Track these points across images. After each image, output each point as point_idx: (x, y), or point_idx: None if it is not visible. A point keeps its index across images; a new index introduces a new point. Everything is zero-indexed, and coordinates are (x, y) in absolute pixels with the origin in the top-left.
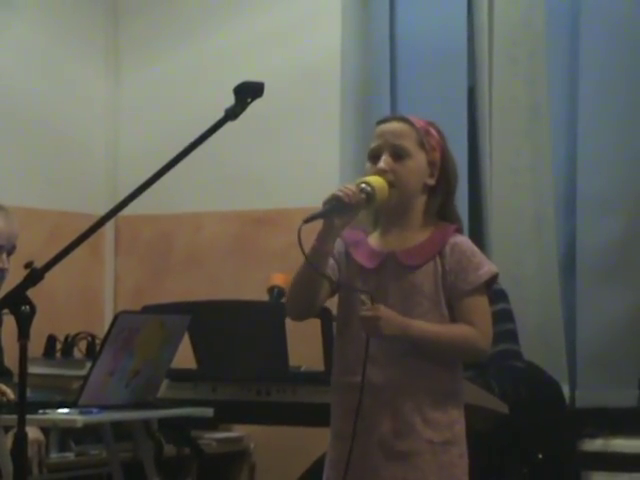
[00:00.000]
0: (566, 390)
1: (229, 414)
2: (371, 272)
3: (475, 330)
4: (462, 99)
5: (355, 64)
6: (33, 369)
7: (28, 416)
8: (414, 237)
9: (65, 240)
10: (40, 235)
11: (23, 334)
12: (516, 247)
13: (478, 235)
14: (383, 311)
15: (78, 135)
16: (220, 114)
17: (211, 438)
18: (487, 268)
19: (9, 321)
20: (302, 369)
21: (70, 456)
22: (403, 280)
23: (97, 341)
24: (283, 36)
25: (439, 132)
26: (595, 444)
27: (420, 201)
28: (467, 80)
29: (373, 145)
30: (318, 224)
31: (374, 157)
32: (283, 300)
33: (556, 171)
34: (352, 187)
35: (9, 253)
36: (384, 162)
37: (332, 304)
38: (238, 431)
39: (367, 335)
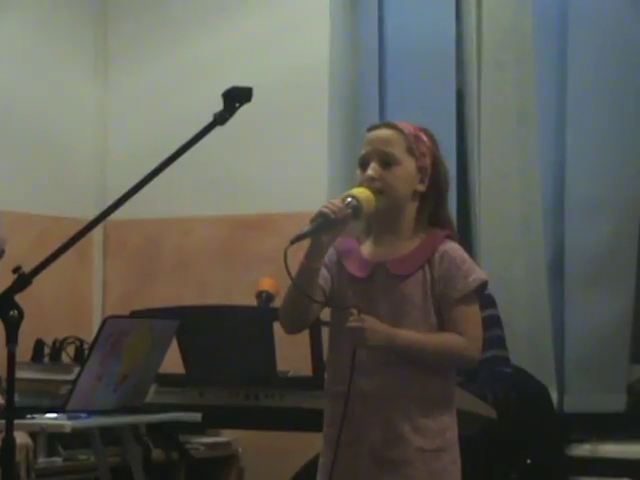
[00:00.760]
0: (554, 395)
1: (217, 419)
2: (361, 282)
3: (463, 338)
4: (450, 103)
5: (343, 68)
6: (21, 374)
7: (16, 421)
8: (405, 245)
9: (53, 245)
10: (28, 239)
11: (11, 339)
12: (504, 252)
13: (466, 240)
14: (369, 322)
15: (66, 139)
16: (208, 119)
17: (199, 443)
18: (476, 275)
19: None
20: (290, 374)
21: (58, 461)
22: (393, 290)
23: (85, 346)
24: (271, 41)
25: (430, 138)
26: (583, 449)
27: (411, 208)
28: (455, 84)
29: (362, 152)
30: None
31: (363, 165)
32: (271, 305)
33: (544, 176)
34: (338, 202)
35: None
36: (372, 170)
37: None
38: (226, 436)
39: (353, 345)
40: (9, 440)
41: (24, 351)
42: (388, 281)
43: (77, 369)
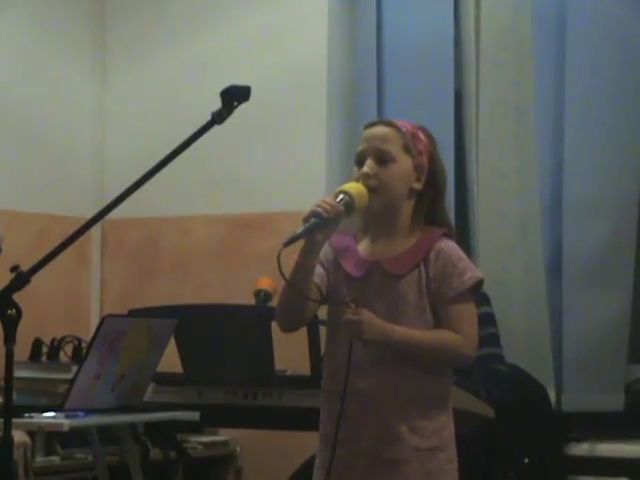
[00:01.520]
0: (552, 394)
1: (215, 418)
2: (357, 281)
3: (459, 336)
4: (449, 103)
5: (342, 68)
6: (19, 373)
7: (14, 420)
8: (401, 244)
9: (51, 243)
10: (26, 238)
11: (9, 338)
12: (502, 251)
13: (464, 239)
14: (366, 315)
15: (64, 138)
16: (207, 118)
17: (197, 442)
18: (472, 274)
19: None
20: (288, 373)
21: (56, 460)
22: (388, 289)
23: (83, 345)
24: (270, 40)
25: (428, 136)
26: (581, 448)
27: (407, 206)
28: (454, 84)
29: (359, 150)
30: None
31: (360, 162)
32: (269, 304)
33: (542, 175)
34: (330, 200)
35: None
36: (367, 167)
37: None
38: (224, 435)
39: (350, 339)
40: (7, 439)
41: (22, 350)
42: (384, 280)
43: (75, 368)
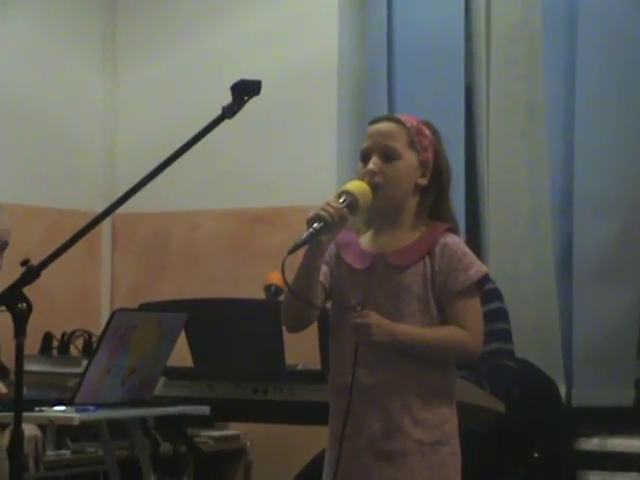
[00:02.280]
0: (562, 389)
1: (226, 412)
2: (361, 273)
3: (465, 332)
4: (459, 98)
5: (352, 63)
6: (30, 367)
7: (25, 413)
8: (405, 238)
9: (62, 238)
10: (36, 232)
11: (20, 332)
12: (512, 246)
13: (475, 234)
14: (374, 317)
15: (75, 132)
16: (217, 112)
17: (207, 436)
18: (477, 268)
19: (5, 318)
20: (299, 367)
21: (66, 453)
22: (392, 281)
23: (93, 339)
24: (280, 35)
25: (433, 132)
26: (591, 443)
27: (412, 201)
28: (464, 79)
29: (364, 146)
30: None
31: (365, 158)
32: (280, 298)
33: (553, 171)
34: (333, 203)
35: (1, 249)
36: (373, 163)
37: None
38: (234, 429)
39: (357, 341)
40: (18, 432)
41: (33, 344)
42: (387, 272)
43: (85, 362)
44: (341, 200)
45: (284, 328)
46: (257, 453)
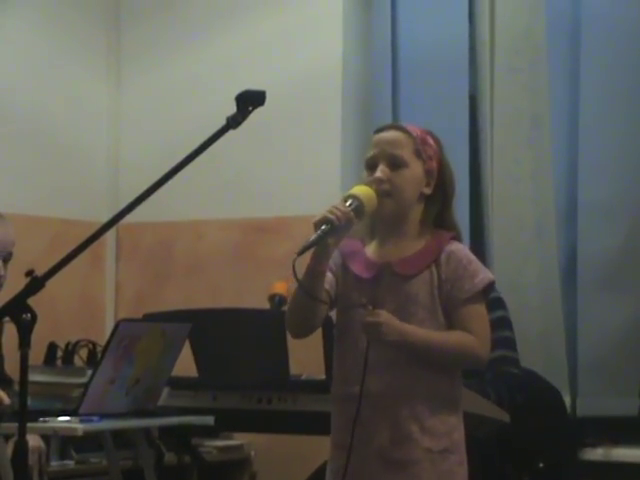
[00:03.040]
0: (567, 398)
1: (230, 422)
2: (367, 282)
3: (473, 337)
4: (463, 108)
5: (357, 72)
6: (34, 377)
7: (29, 424)
8: (410, 246)
9: (66, 248)
10: (41, 243)
11: (24, 342)
12: (517, 255)
13: (479, 243)
14: (385, 316)
15: (79, 142)
16: (221, 122)
17: (212, 446)
18: (483, 275)
19: (10, 329)
20: (303, 377)
21: (70, 464)
22: (398, 290)
23: (98, 349)
24: (285, 43)
25: (436, 141)
26: (596, 453)
27: (417, 210)
28: (468, 89)
29: (370, 154)
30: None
31: (371, 166)
32: (284, 308)
33: (557, 180)
34: (340, 206)
35: (5, 260)
36: (381, 172)
37: (333, 312)
38: (239, 439)
39: (368, 340)
40: (22, 443)
41: (37, 354)
42: (393, 281)
43: (90, 372)
44: (347, 204)
45: (289, 336)
46: (261, 463)
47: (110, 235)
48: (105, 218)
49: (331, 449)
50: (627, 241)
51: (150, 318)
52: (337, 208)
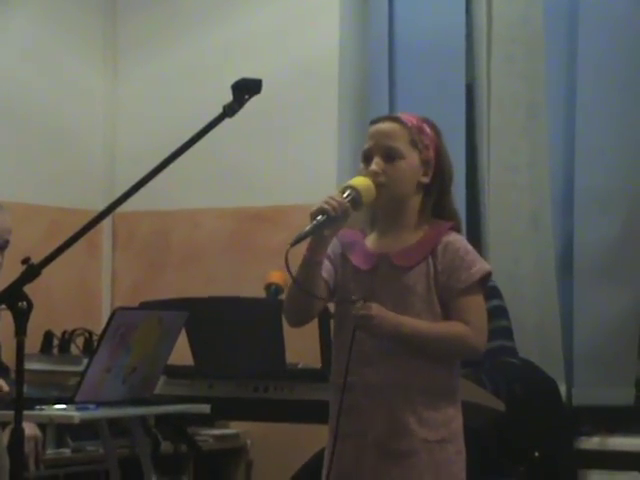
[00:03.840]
0: (563, 388)
1: (226, 411)
2: (365, 274)
3: (469, 328)
4: (460, 96)
5: (353, 61)
6: (30, 365)
7: (25, 412)
8: (409, 237)
9: (62, 236)
10: (37, 231)
11: (20, 330)
12: (513, 245)
13: (475, 232)
14: (376, 309)
15: (76, 131)
16: (218, 111)
17: (208, 435)
18: (480, 266)
19: (6, 317)
20: (299, 366)
21: (67, 452)
22: (396, 281)
23: (94, 337)
24: (281, 33)
25: (434, 129)
26: (592, 442)
27: (415, 200)
28: (465, 77)
29: (365, 146)
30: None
31: (367, 159)
32: (280, 297)
33: (554, 169)
34: (337, 197)
35: (2, 248)
36: (375, 164)
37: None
38: (235, 428)
39: (353, 332)
40: (18, 431)
41: (33, 342)
42: (391, 272)
43: (86, 360)
44: (345, 195)
45: (285, 324)
46: (257, 452)
47: (106, 223)
48: (101, 206)
49: (328, 436)
50: (624, 230)
51: (146, 306)
52: (333, 199)
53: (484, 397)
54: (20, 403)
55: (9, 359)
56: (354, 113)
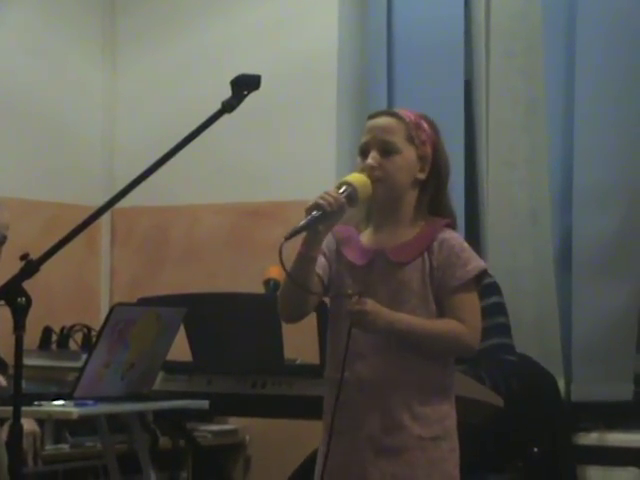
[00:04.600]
0: (561, 384)
1: (224, 406)
2: (360, 269)
3: (464, 326)
4: (459, 92)
5: (352, 57)
6: (29, 361)
7: (23, 408)
8: (404, 233)
9: (61, 232)
10: (36, 226)
11: (19, 326)
12: (512, 241)
13: (474, 229)
14: (371, 305)
15: (75, 126)
16: (217, 106)
17: (206, 430)
18: (475, 264)
19: (5, 313)
20: (298, 362)
21: (65, 448)
22: (391, 277)
23: (93, 333)
24: (280, 29)
25: (431, 125)
26: (590, 438)
27: (411, 196)
28: (464, 73)
29: (362, 141)
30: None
31: (364, 153)
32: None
33: (552, 165)
34: (333, 193)
35: (0, 243)
36: (372, 158)
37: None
38: (233, 423)
39: (350, 328)
40: (16, 427)
41: (32, 338)
42: (387, 268)
43: (84, 356)
44: (341, 191)
45: (281, 319)
46: (256, 447)
47: (105, 219)
48: (100, 202)
49: (323, 432)
50: (622, 227)
51: (145, 302)
52: (329, 194)
53: (482, 393)
54: (19, 399)
55: (8, 355)
56: (352, 109)
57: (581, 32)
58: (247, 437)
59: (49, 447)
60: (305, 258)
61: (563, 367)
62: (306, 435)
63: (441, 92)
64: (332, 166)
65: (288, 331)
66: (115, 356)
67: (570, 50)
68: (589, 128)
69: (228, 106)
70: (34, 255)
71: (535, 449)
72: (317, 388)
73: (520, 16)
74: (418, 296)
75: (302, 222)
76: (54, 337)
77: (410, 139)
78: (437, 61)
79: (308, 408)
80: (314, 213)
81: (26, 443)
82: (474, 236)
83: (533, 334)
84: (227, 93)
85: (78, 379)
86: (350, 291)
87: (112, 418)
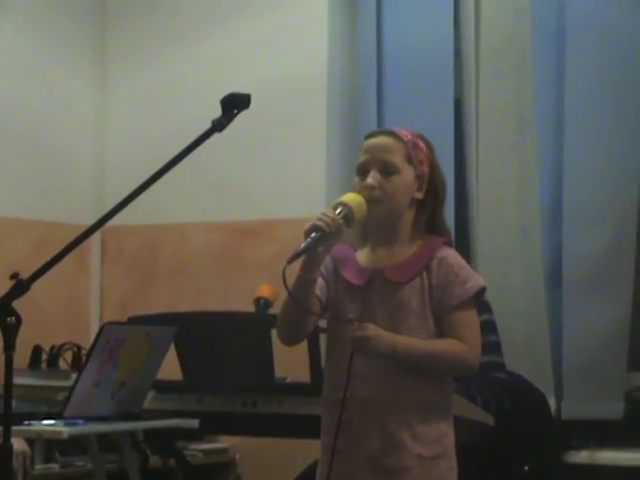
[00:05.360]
0: (552, 402)
1: (215, 425)
2: (359, 289)
3: (463, 345)
4: (449, 111)
5: (342, 75)
6: (18, 380)
7: (13, 427)
8: (402, 252)
9: (51, 250)
10: (26, 245)
11: (9, 345)
12: (502, 258)
13: (464, 246)
14: (372, 329)
15: (65, 145)
16: (207, 125)
17: (197, 449)
18: (474, 282)
19: None
20: (288, 380)
21: (55, 467)
22: (390, 296)
23: (83, 352)
24: (270, 47)
25: (427, 144)
26: (581, 456)
27: (408, 215)
28: (454, 92)
29: (361, 160)
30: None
31: (362, 172)
32: (269, 311)
33: (542, 182)
34: (330, 213)
35: None
36: (372, 178)
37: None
38: (224, 442)
39: (352, 352)
40: (6, 447)
41: (22, 357)
42: (385, 288)
43: (74, 375)
44: (337, 211)
45: (274, 339)
46: (246, 466)
47: (95, 238)
48: (90, 221)
49: (321, 453)
50: (612, 244)
51: (135, 321)
52: (327, 215)
53: (473, 411)
54: (8, 418)
55: None
56: (343, 127)
57: (570, 50)
58: (237, 456)
59: (39, 467)
60: (305, 281)
61: (554, 385)
62: (296, 454)
63: (431, 110)
64: (322, 184)
65: (278, 349)
66: (105, 375)
67: (559, 68)
68: (578, 146)
69: (218, 125)
70: (24, 273)
71: (526, 467)
72: (308, 407)
73: (509, 35)
74: (417, 315)
75: (302, 245)
76: (44, 356)
77: (409, 159)
78: (427, 79)
79: (299, 427)
80: (313, 235)
81: (16, 463)
82: (464, 253)
83: (524, 352)
84: (217, 112)
85: (68, 398)
86: (351, 316)
87: (102, 437)
